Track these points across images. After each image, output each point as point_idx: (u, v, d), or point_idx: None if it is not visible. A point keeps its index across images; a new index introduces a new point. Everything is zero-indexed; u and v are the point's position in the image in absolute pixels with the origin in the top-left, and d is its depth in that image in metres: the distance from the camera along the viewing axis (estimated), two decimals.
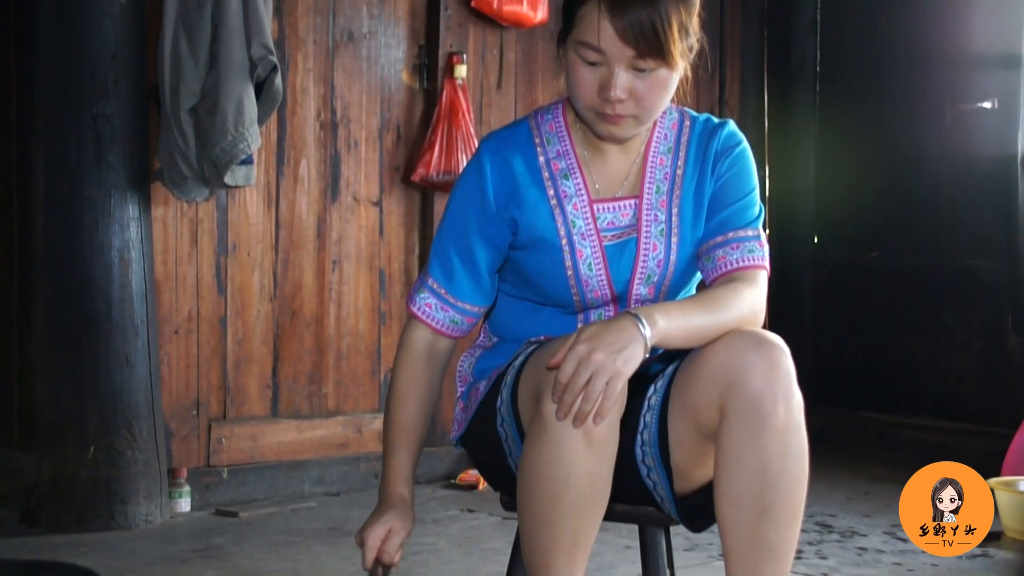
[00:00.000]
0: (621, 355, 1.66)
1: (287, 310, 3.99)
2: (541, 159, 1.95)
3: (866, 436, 4.82)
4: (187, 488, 3.57)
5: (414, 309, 1.97)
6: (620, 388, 1.66)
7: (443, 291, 1.96)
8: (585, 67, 1.84)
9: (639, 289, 1.94)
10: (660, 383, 1.86)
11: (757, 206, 1.96)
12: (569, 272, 1.92)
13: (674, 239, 1.93)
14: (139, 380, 3.36)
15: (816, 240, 5.20)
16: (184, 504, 3.55)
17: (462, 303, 1.96)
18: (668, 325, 1.72)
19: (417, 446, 1.97)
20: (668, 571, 2.14)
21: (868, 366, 4.96)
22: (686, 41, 1.85)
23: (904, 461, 4.61)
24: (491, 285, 1.99)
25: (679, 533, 3.15)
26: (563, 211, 1.92)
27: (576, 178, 1.94)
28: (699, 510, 1.91)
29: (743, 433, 1.70)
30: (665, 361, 1.91)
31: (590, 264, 1.92)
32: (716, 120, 2.01)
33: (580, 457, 1.69)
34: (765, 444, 1.69)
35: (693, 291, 2.05)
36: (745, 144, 2.00)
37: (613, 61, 1.81)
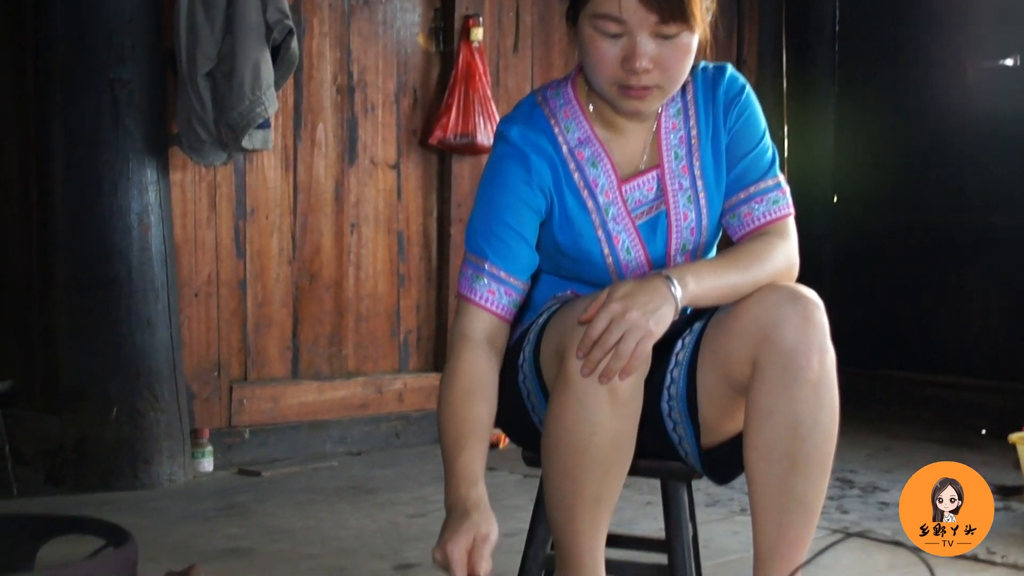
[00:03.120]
0: (654, 315, 1.64)
1: (306, 273, 3.99)
2: (564, 148, 1.90)
3: (887, 394, 4.82)
4: (210, 448, 3.60)
5: (476, 299, 1.85)
6: (650, 348, 1.66)
7: (503, 273, 1.85)
8: (605, 40, 1.77)
9: (676, 259, 1.91)
10: (688, 339, 1.85)
11: (770, 149, 1.92)
12: (608, 260, 1.89)
13: (702, 202, 1.90)
14: (160, 342, 3.38)
15: (836, 200, 5.18)
16: (207, 464, 3.58)
17: (522, 282, 1.87)
18: (699, 287, 1.71)
19: (486, 444, 1.80)
20: (690, 525, 2.15)
21: (889, 325, 4.95)
22: (704, 1, 1.79)
23: (925, 419, 4.63)
24: (536, 261, 1.90)
25: (700, 489, 3.16)
26: (596, 201, 1.88)
27: (604, 164, 1.90)
28: (724, 463, 1.91)
29: (776, 386, 1.69)
30: (691, 318, 1.90)
31: (628, 248, 1.89)
32: (712, 67, 1.95)
33: (605, 415, 1.68)
34: (798, 398, 1.68)
35: (715, 243, 2.04)
36: (748, 87, 1.95)
37: (635, 30, 1.74)
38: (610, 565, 2.04)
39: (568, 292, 1.96)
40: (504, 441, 4.10)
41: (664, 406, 1.86)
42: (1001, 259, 4.58)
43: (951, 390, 4.64)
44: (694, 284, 1.70)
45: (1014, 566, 2.53)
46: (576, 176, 1.89)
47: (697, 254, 1.92)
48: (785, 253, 1.82)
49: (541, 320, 1.91)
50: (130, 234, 3.35)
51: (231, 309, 3.80)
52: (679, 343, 1.86)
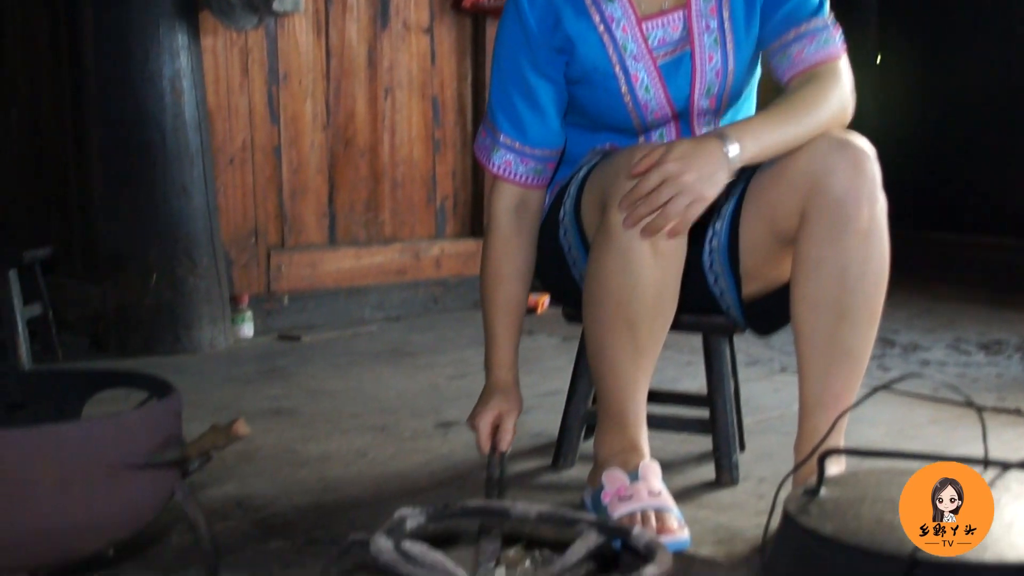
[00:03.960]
0: (709, 180, 1.58)
1: (341, 139, 3.96)
2: None
3: (929, 256, 4.77)
4: (249, 314, 3.62)
5: (494, 170, 1.91)
6: (700, 213, 1.60)
7: (517, 144, 1.89)
8: None
9: (700, 103, 1.87)
10: (733, 191, 1.82)
11: None
12: (627, 99, 1.85)
13: (729, 45, 1.85)
14: (197, 209, 3.37)
15: (879, 59, 5.06)
16: (247, 329, 3.61)
17: (540, 150, 1.90)
18: (758, 145, 1.63)
19: (517, 326, 1.94)
20: (732, 380, 2.14)
21: (932, 186, 4.88)
22: None
23: (968, 280, 4.58)
24: (560, 123, 1.92)
25: (740, 349, 3.15)
26: (612, 37, 1.84)
27: None
28: (766, 315, 1.89)
29: (824, 236, 1.65)
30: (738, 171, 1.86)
31: (647, 87, 1.85)
32: None
33: (647, 266, 1.66)
34: (846, 247, 1.64)
35: (753, 91, 1.98)
36: None
37: None
38: (652, 420, 2.05)
39: (607, 145, 1.93)
40: (542, 306, 4.10)
41: (706, 259, 1.84)
42: None
43: (995, 251, 4.58)
44: (753, 144, 1.63)
45: None
46: (592, 11, 1.86)
47: (723, 99, 1.88)
48: (839, 97, 1.75)
49: (581, 173, 1.89)
50: (163, 99, 3.31)
51: (266, 176, 3.78)
52: (722, 197, 1.83)
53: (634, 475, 1.71)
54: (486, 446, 1.89)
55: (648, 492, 1.69)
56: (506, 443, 1.89)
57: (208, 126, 3.48)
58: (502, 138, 1.90)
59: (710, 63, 1.85)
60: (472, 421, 1.91)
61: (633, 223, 1.61)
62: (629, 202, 1.61)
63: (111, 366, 3.12)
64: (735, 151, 1.61)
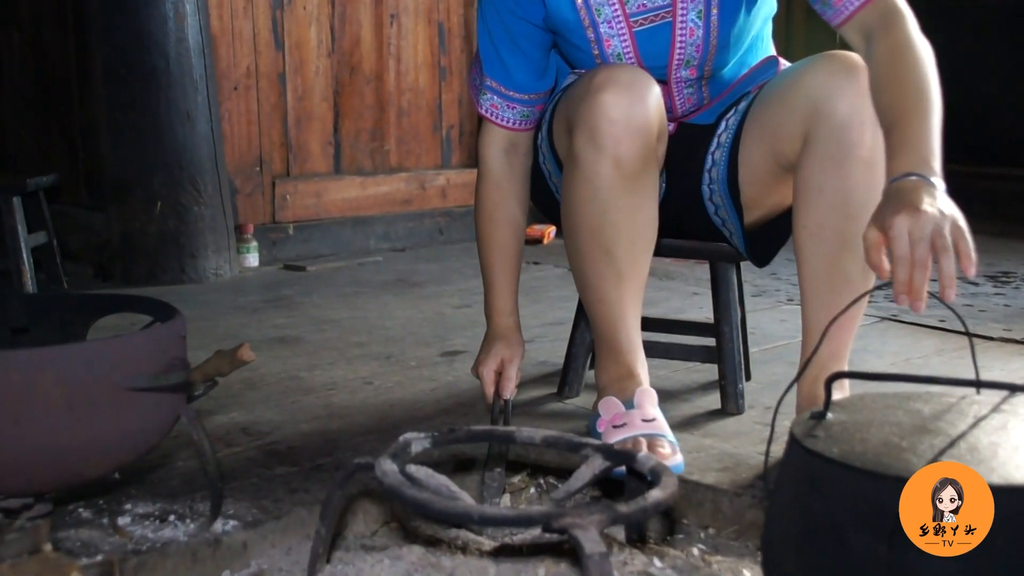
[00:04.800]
0: (942, 207, 1.31)
1: (346, 66, 3.92)
2: None
3: None
4: (254, 244, 3.61)
5: (483, 112, 1.87)
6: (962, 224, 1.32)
7: (503, 88, 1.84)
8: None
9: (679, 73, 1.80)
10: (732, 120, 1.79)
11: None
12: (598, 61, 1.79)
13: (713, 19, 1.74)
14: (201, 136, 3.34)
15: None
16: (252, 259, 3.60)
17: (526, 95, 1.85)
18: (936, 156, 1.42)
19: (515, 271, 1.91)
20: (739, 308, 2.13)
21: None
22: None
23: (976, 212, 4.51)
24: (546, 65, 1.86)
25: (747, 280, 3.14)
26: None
27: None
28: (761, 245, 1.88)
29: (826, 163, 1.61)
30: (737, 100, 1.83)
31: (619, 54, 1.78)
32: None
33: (616, 191, 1.64)
34: (849, 175, 1.60)
35: (761, 39, 1.90)
36: None
37: None
38: (658, 348, 2.05)
39: (582, 70, 1.88)
40: (548, 236, 4.09)
41: (705, 189, 1.82)
42: None
43: (1003, 181, 4.54)
44: (934, 158, 1.42)
45: None
46: None
47: (704, 68, 1.81)
48: (923, 41, 1.58)
49: (557, 97, 1.86)
50: (166, 24, 3.28)
51: (271, 103, 3.75)
52: (722, 124, 1.80)
53: (629, 403, 1.71)
54: (490, 394, 1.86)
55: (642, 419, 1.68)
56: (509, 391, 1.86)
57: (212, 51, 3.44)
58: (488, 81, 1.85)
59: (690, 37, 1.76)
60: (475, 370, 1.88)
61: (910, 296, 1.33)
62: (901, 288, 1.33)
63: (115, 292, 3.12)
64: (941, 184, 1.37)
